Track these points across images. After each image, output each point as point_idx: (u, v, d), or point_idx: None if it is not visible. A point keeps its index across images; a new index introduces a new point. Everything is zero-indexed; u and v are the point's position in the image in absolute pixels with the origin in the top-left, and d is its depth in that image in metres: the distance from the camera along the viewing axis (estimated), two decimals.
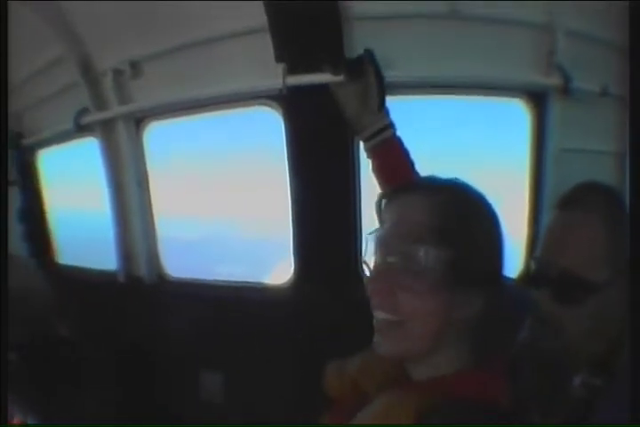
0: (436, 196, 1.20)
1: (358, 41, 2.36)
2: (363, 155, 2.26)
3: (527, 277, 1.59)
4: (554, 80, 2.58)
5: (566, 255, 1.52)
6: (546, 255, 1.58)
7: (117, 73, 2.99)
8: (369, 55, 2.15)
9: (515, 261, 1.36)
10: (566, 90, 2.58)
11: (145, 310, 3.32)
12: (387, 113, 2.15)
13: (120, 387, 3.36)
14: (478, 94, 2.65)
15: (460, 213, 1.17)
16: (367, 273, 1.23)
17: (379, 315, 1.19)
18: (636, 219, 1.30)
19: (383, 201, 1.27)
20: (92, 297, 3.54)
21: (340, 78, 2.20)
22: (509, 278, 1.25)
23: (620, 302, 1.50)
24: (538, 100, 2.68)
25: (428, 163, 2.13)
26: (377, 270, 1.20)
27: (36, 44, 3.23)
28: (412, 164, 2.12)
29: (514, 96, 2.71)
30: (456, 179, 1.26)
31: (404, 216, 1.20)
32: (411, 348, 1.18)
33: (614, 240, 1.51)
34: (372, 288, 1.19)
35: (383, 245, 1.20)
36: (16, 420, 2.63)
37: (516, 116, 2.73)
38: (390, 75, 2.22)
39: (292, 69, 2.39)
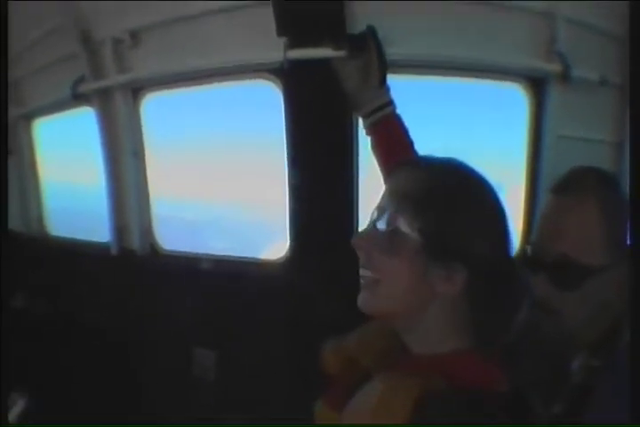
0: (426, 170, 1.25)
1: (360, 18, 2.35)
2: (362, 132, 2.26)
3: (523, 261, 1.60)
4: (554, 66, 2.58)
5: (561, 240, 1.53)
6: (541, 240, 1.60)
7: (116, 42, 2.97)
8: (371, 31, 2.14)
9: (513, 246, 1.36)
10: (566, 77, 2.59)
11: (137, 282, 3.32)
12: (387, 90, 2.14)
13: (109, 363, 3.37)
14: (478, 77, 2.64)
15: (443, 188, 1.20)
16: None
17: (361, 271, 1.24)
18: (637, 207, 1.29)
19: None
20: (83, 269, 3.54)
21: (341, 53, 2.20)
22: (507, 262, 1.24)
23: (617, 286, 1.52)
24: (537, 85, 2.69)
25: (425, 143, 2.13)
26: (362, 231, 1.25)
27: (36, 13, 3.22)
28: (410, 142, 2.12)
29: (513, 80, 2.71)
30: (453, 158, 1.27)
31: (394, 187, 1.25)
32: (388, 306, 1.23)
33: (609, 224, 1.53)
34: (356, 246, 1.23)
35: (372, 212, 1.25)
36: None
37: (514, 100, 2.73)
38: (392, 53, 2.21)
39: (294, 43, 2.38)
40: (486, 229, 1.20)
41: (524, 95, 2.73)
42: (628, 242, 1.55)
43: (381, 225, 1.21)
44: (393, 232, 1.19)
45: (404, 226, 1.18)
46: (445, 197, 1.18)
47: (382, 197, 1.25)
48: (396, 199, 1.21)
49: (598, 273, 1.51)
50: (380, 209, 1.23)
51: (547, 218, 1.63)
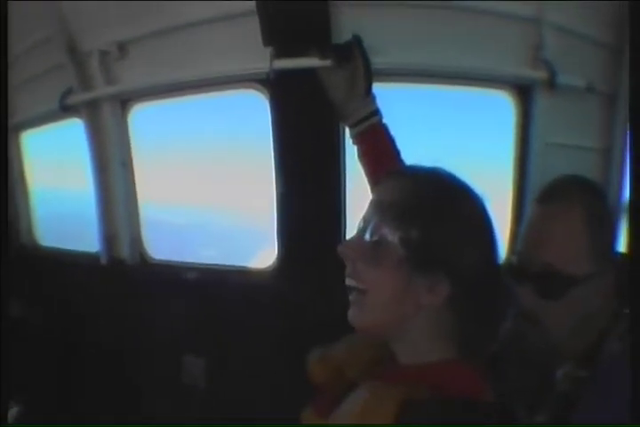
0: (411, 180, 1.26)
1: (346, 27, 2.36)
2: (349, 141, 2.27)
3: (509, 271, 1.59)
4: (540, 74, 2.59)
5: (546, 249, 1.54)
6: (526, 249, 1.60)
7: (104, 54, 2.98)
8: (357, 41, 2.15)
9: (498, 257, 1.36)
10: (552, 84, 2.59)
11: (127, 292, 3.32)
12: (373, 99, 2.15)
13: (100, 371, 3.37)
14: (465, 84, 2.65)
15: (428, 199, 1.20)
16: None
17: (347, 281, 1.24)
18: (635, 216, 1.29)
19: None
20: (74, 278, 3.54)
21: (327, 63, 2.20)
22: (492, 273, 1.23)
23: (601, 296, 1.53)
24: (524, 92, 2.69)
25: (412, 152, 2.14)
26: (348, 240, 1.26)
27: (23, 24, 3.22)
28: (397, 151, 2.13)
29: (500, 88, 2.72)
30: (440, 168, 1.27)
31: (379, 197, 1.26)
32: (375, 319, 1.23)
33: (594, 233, 1.53)
34: (341, 255, 1.24)
35: (359, 222, 1.26)
36: None
37: (501, 107, 2.74)
38: (377, 62, 2.22)
39: (280, 53, 2.39)
40: (470, 240, 1.20)
41: (510, 102, 2.73)
42: (618, 249, 1.57)
43: (367, 235, 1.21)
44: (377, 242, 1.19)
45: (387, 236, 1.18)
46: (429, 207, 1.18)
47: (368, 207, 1.26)
48: (380, 209, 1.22)
49: (583, 282, 1.51)
50: (366, 219, 1.24)
51: (531, 227, 1.63)
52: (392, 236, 1.17)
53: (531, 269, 1.55)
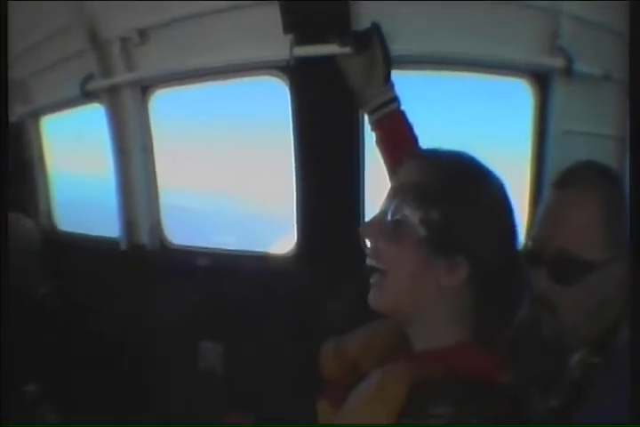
0: (434, 162, 1.27)
1: (365, 14, 2.37)
2: (367, 127, 2.28)
3: (524, 256, 1.59)
4: (557, 62, 2.58)
5: (562, 235, 1.54)
6: (542, 235, 1.60)
7: (125, 41, 3.00)
8: (376, 28, 2.19)
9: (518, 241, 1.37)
10: (569, 72, 2.59)
11: (146, 277, 3.35)
12: (392, 86, 2.18)
13: (118, 356, 3.40)
14: (482, 72, 2.65)
15: (450, 181, 1.22)
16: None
17: (368, 261, 1.27)
18: (637, 205, 1.30)
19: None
20: (93, 264, 3.57)
21: (346, 50, 2.23)
22: (511, 257, 1.25)
23: (617, 282, 1.52)
24: (541, 80, 2.69)
25: (430, 139, 2.15)
26: (370, 220, 1.28)
27: (45, 11, 3.24)
28: (415, 138, 2.14)
29: (517, 76, 2.72)
30: (462, 152, 1.29)
31: (402, 178, 1.28)
32: (395, 300, 1.24)
33: (610, 219, 1.52)
34: (363, 234, 1.27)
35: (383, 203, 1.28)
36: None
37: (519, 95, 2.74)
38: (396, 49, 2.24)
39: (300, 41, 2.41)
40: (491, 223, 1.21)
41: (528, 90, 2.73)
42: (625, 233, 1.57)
43: (388, 215, 1.23)
44: (398, 222, 1.21)
45: (408, 216, 1.20)
46: (451, 189, 1.20)
47: (390, 188, 1.28)
48: (402, 190, 1.24)
49: (598, 268, 1.51)
50: (388, 200, 1.26)
51: (547, 213, 1.63)
52: (413, 216, 1.19)
53: (546, 255, 1.55)
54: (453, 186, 1.21)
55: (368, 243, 1.27)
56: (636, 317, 1.25)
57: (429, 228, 1.18)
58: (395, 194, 1.25)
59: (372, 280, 1.27)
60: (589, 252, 1.51)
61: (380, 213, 1.27)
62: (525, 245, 1.63)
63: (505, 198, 1.25)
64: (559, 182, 1.62)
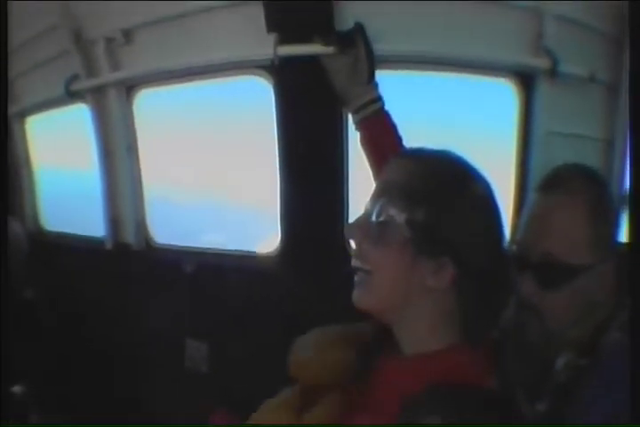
0: (420, 162, 1.27)
1: (349, 14, 2.37)
2: (352, 127, 2.29)
3: (511, 260, 1.58)
4: (542, 62, 2.59)
5: (547, 239, 1.54)
6: (527, 239, 1.60)
7: (109, 41, 2.99)
8: (359, 28, 2.20)
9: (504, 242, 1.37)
10: (554, 73, 2.59)
11: (131, 276, 3.35)
12: (376, 86, 2.19)
13: (104, 355, 3.39)
14: (467, 72, 2.65)
15: (436, 181, 1.21)
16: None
17: (353, 262, 1.27)
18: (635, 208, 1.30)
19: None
20: (79, 263, 3.56)
21: (330, 50, 2.23)
22: (497, 258, 1.26)
23: (602, 284, 1.54)
24: (526, 81, 2.69)
25: (414, 138, 2.15)
26: (354, 221, 1.28)
27: (29, 11, 3.24)
28: (399, 138, 2.15)
29: (502, 76, 2.71)
30: (449, 151, 1.29)
31: (387, 178, 1.27)
32: (379, 299, 1.25)
33: (596, 222, 1.53)
34: (347, 236, 1.28)
35: (367, 203, 1.27)
36: None
37: (503, 96, 2.74)
38: (380, 49, 2.25)
39: (283, 40, 2.40)
40: (477, 223, 1.22)
41: (512, 91, 2.73)
42: (619, 241, 1.57)
43: (373, 216, 1.23)
44: (383, 223, 1.21)
45: (394, 217, 1.20)
46: (437, 190, 1.20)
47: (375, 188, 1.27)
48: (387, 190, 1.23)
49: (584, 273, 1.51)
50: (373, 200, 1.25)
51: (532, 216, 1.63)
52: (398, 217, 1.19)
53: (531, 259, 1.55)
54: (439, 186, 1.21)
55: (353, 244, 1.28)
56: (635, 317, 1.26)
57: (415, 228, 1.18)
58: (379, 194, 1.25)
59: (356, 279, 1.27)
60: (574, 256, 1.51)
61: (364, 214, 1.26)
62: (510, 248, 1.63)
63: (491, 198, 1.26)
64: (544, 186, 1.62)
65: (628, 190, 1.38)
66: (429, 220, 1.18)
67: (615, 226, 1.61)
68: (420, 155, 1.31)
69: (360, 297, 1.26)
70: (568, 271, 1.51)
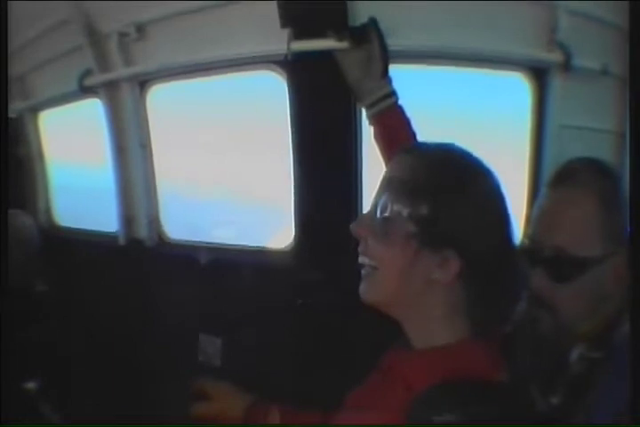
0: (423, 156, 1.27)
1: (363, 9, 2.36)
2: (365, 122, 2.29)
3: (522, 254, 1.59)
4: (555, 56, 2.59)
5: (558, 233, 1.54)
6: (538, 233, 1.60)
7: (122, 35, 2.99)
8: (373, 23, 2.20)
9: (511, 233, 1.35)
10: (567, 66, 2.59)
11: (145, 272, 3.36)
12: (389, 81, 2.20)
13: (117, 350, 3.40)
14: (480, 67, 2.65)
15: (437, 175, 1.21)
16: None
17: (360, 258, 1.28)
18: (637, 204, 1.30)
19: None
20: (92, 259, 3.58)
21: (344, 45, 2.24)
22: (503, 249, 1.24)
23: (614, 277, 1.52)
24: (539, 75, 2.69)
25: (427, 133, 2.15)
26: (360, 218, 1.30)
27: (42, 6, 3.24)
28: (413, 132, 2.16)
29: (515, 70, 2.71)
30: (455, 146, 1.29)
31: (390, 174, 1.28)
32: (385, 294, 1.26)
33: (607, 217, 1.53)
34: (354, 233, 1.28)
35: (373, 199, 1.28)
36: None
37: (517, 90, 2.74)
38: (394, 44, 2.25)
39: (297, 35, 2.40)
40: (481, 216, 1.21)
41: (526, 85, 2.73)
42: (626, 233, 1.53)
43: (378, 212, 1.24)
44: (387, 219, 1.22)
45: (397, 212, 1.20)
46: (439, 183, 1.20)
47: (380, 184, 1.28)
48: (390, 186, 1.24)
49: (595, 266, 1.51)
50: (378, 196, 1.26)
51: (544, 210, 1.63)
52: (401, 212, 1.20)
53: (543, 253, 1.55)
54: (441, 180, 1.20)
55: (360, 241, 1.28)
56: (636, 313, 1.25)
57: (418, 223, 1.19)
58: (383, 191, 1.25)
59: (362, 273, 1.28)
60: (586, 250, 1.51)
61: (369, 211, 1.28)
62: (522, 242, 1.63)
63: (496, 190, 1.25)
64: (556, 180, 1.62)
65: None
66: (432, 213, 1.18)
67: (626, 217, 1.57)
68: (423, 149, 1.32)
69: (365, 291, 1.28)
70: (579, 265, 1.52)
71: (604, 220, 1.53)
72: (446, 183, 1.20)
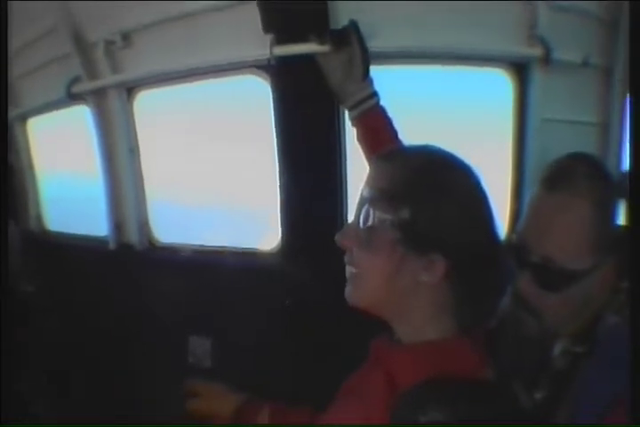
0: (398, 161, 1.28)
1: (343, 12, 2.40)
2: (349, 124, 2.32)
3: (510, 255, 1.60)
4: (535, 50, 2.60)
5: (548, 242, 1.53)
6: (528, 235, 1.59)
7: (109, 43, 3.01)
8: (353, 26, 2.23)
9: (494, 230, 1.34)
10: (547, 60, 2.60)
11: (135, 276, 3.36)
12: (371, 82, 2.23)
13: (108, 353, 3.42)
14: (461, 64, 2.67)
15: (414, 179, 1.22)
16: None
17: (347, 268, 1.30)
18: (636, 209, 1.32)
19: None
20: (82, 263, 3.59)
21: (325, 48, 2.27)
22: (487, 247, 1.25)
23: (601, 285, 1.54)
24: (520, 70, 2.71)
25: (411, 132, 2.18)
26: (344, 228, 1.31)
27: (29, 14, 3.26)
28: (395, 132, 2.19)
29: (496, 66, 2.73)
30: (431, 147, 1.30)
31: (368, 181, 1.29)
32: (369, 297, 1.28)
33: (601, 227, 1.52)
34: (339, 244, 1.29)
35: (355, 209, 1.29)
36: None
37: (498, 86, 2.76)
38: (374, 45, 2.28)
39: (279, 40, 2.43)
40: (462, 215, 1.21)
41: (507, 80, 2.74)
42: (616, 241, 1.54)
43: (361, 222, 1.25)
44: (370, 228, 1.23)
45: (379, 221, 1.21)
46: (417, 187, 1.21)
47: (360, 194, 1.28)
48: (369, 195, 1.25)
49: (584, 277, 1.51)
50: (360, 205, 1.27)
51: (535, 213, 1.61)
52: (384, 219, 1.21)
53: (531, 260, 1.55)
54: (419, 183, 1.21)
55: (344, 248, 1.30)
56: (635, 313, 1.28)
57: (400, 228, 1.20)
58: (364, 200, 1.26)
59: (347, 275, 1.30)
60: (576, 263, 1.51)
61: (353, 221, 1.29)
62: (510, 239, 1.65)
63: (476, 188, 1.26)
64: (551, 182, 1.58)
65: (625, 174, 1.38)
66: (413, 218, 1.19)
67: (616, 220, 1.59)
68: (400, 155, 1.33)
69: (351, 296, 1.30)
70: (568, 277, 1.51)
71: (596, 229, 1.51)
72: (424, 186, 1.21)
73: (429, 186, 1.21)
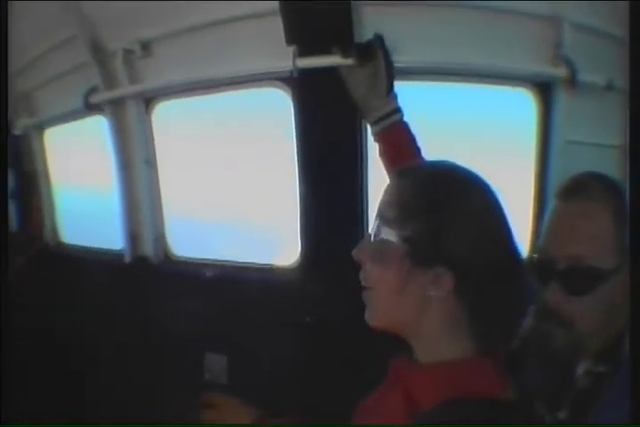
0: (411, 177, 1.29)
1: (368, 26, 2.38)
2: (370, 138, 2.29)
3: (532, 270, 1.58)
4: (561, 71, 2.59)
5: (575, 244, 1.52)
6: (550, 246, 1.58)
7: (127, 53, 3.01)
8: (379, 40, 2.21)
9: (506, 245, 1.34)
10: (573, 82, 2.59)
11: (151, 289, 3.35)
12: (395, 97, 2.20)
13: (123, 367, 3.40)
14: (486, 82, 2.66)
15: (423, 193, 1.22)
16: None
17: (362, 283, 1.29)
18: (636, 214, 1.30)
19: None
20: (97, 276, 3.57)
21: (349, 62, 2.24)
22: (498, 262, 1.22)
23: (622, 292, 1.51)
24: (545, 90, 2.69)
25: (433, 149, 2.16)
26: (360, 243, 1.31)
27: (48, 24, 3.26)
28: (418, 149, 2.16)
29: (521, 86, 2.71)
30: (447, 163, 1.30)
31: (383, 197, 1.29)
32: (385, 316, 1.28)
33: (620, 230, 1.50)
34: (355, 259, 1.29)
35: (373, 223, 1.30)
36: None
37: (522, 105, 2.74)
38: (399, 60, 2.25)
39: (303, 52, 2.42)
40: (472, 230, 1.20)
41: (531, 100, 2.73)
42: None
43: (374, 235, 1.26)
44: (380, 243, 1.23)
45: (388, 236, 1.22)
46: (425, 202, 1.21)
47: (378, 208, 1.29)
48: (381, 210, 1.26)
49: (610, 278, 1.50)
50: (375, 221, 1.28)
51: (554, 223, 1.60)
52: (393, 233, 1.21)
53: (557, 266, 1.53)
54: (428, 198, 1.21)
55: (359, 264, 1.29)
56: (636, 321, 1.25)
57: (408, 243, 1.20)
58: (377, 214, 1.27)
59: (363, 298, 1.29)
60: (603, 261, 1.50)
61: (367, 236, 1.29)
62: (532, 257, 1.62)
63: (490, 204, 1.24)
64: (568, 193, 1.59)
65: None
66: (419, 232, 1.19)
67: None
68: (414, 170, 1.33)
69: (369, 317, 1.29)
70: (596, 276, 1.50)
71: (616, 232, 1.51)
72: (432, 201, 1.20)
73: (438, 200, 1.21)
